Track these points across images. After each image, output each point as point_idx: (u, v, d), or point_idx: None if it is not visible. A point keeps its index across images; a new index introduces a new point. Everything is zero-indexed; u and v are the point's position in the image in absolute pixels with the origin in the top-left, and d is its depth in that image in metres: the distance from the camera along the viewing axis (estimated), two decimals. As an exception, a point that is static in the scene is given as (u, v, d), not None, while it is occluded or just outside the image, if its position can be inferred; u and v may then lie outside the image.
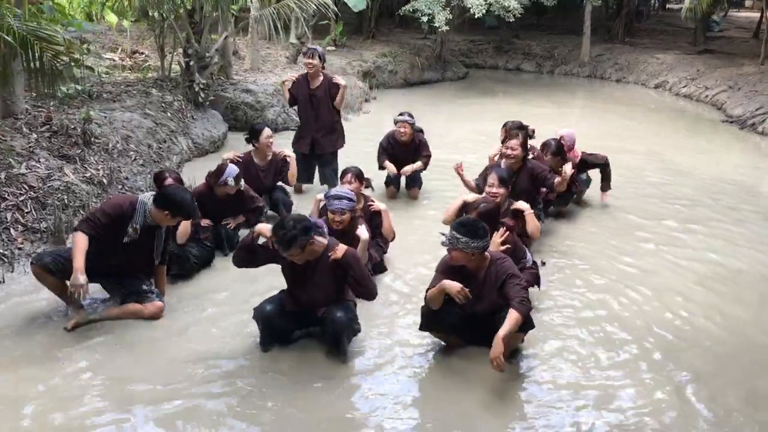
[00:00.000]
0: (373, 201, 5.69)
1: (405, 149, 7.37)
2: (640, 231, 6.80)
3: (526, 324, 4.08)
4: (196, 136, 9.03)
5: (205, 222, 5.86)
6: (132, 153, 7.68)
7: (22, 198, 5.89)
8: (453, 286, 4.01)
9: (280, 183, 6.91)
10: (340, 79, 7.27)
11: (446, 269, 4.17)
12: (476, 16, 14.60)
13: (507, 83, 17.77)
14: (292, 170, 6.81)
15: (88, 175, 6.75)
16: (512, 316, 3.88)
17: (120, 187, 6.91)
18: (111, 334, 4.49)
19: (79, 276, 4.22)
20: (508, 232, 4.63)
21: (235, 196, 5.90)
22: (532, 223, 5.24)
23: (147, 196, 4.64)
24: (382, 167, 7.41)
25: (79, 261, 4.27)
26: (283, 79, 7.42)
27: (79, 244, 4.35)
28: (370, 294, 4.23)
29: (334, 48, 16.14)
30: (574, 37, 20.15)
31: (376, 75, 15.32)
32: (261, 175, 6.70)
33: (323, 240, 4.09)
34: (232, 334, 4.58)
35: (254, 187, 6.55)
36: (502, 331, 3.83)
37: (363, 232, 4.95)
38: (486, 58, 20.58)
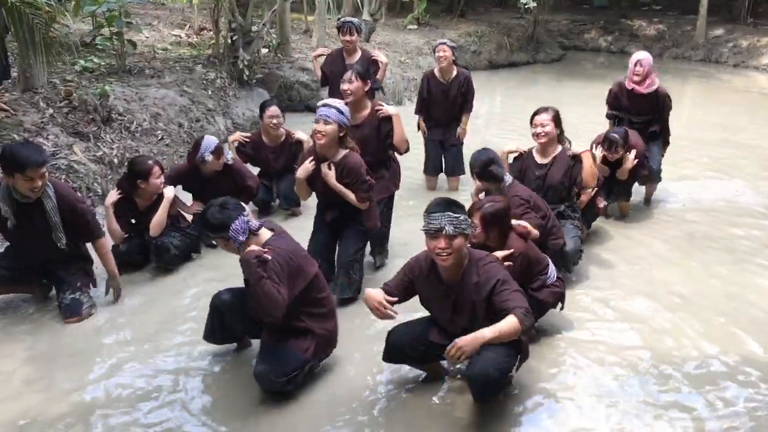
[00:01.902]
0: (381, 105, 4.81)
1: (446, 88, 6.44)
2: (718, 242, 5.56)
3: (520, 349, 3.19)
4: (236, 116, 8.50)
5: (193, 208, 5.27)
6: (159, 132, 7.23)
7: (16, 177, 5.50)
8: (374, 296, 3.18)
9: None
10: (380, 55, 6.41)
11: (411, 271, 3.33)
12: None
13: (606, 67, 16.21)
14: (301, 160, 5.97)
15: (99, 154, 6.33)
16: (509, 321, 2.95)
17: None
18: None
19: None
20: (512, 253, 3.68)
21: (224, 173, 5.20)
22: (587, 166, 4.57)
23: None
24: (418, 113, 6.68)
25: None
26: (314, 53, 6.59)
27: None
28: None
29: (416, 26, 15.29)
30: (691, 18, 18.15)
31: (457, 56, 14.27)
32: (270, 158, 6.01)
33: (247, 243, 3.28)
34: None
35: (264, 170, 5.96)
36: (490, 330, 2.92)
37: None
38: (587, 39, 18.95)
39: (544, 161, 4.80)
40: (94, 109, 6.52)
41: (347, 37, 6.03)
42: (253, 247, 3.22)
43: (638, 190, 6.23)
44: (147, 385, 3.50)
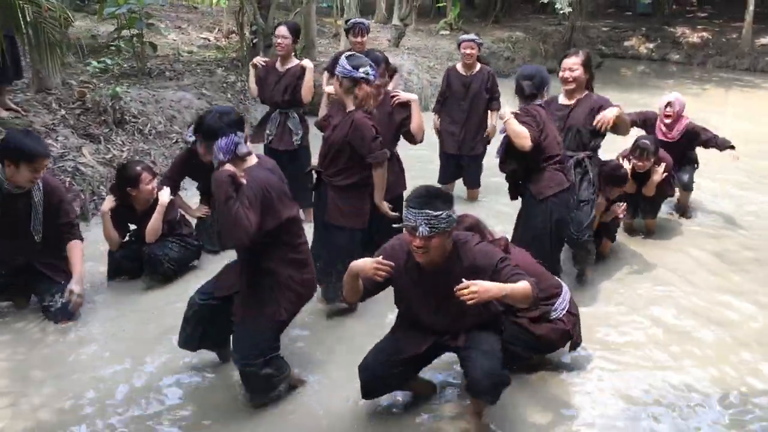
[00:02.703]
0: (397, 92, 4.51)
1: (468, 82, 6.13)
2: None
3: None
4: (254, 120, 8.30)
5: (198, 211, 5.09)
6: (174, 135, 7.11)
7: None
8: (364, 263, 2.89)
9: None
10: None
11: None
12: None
13: (646, 75, 15.71)
14: (307, 82, 5.34)
15: (108, 156, 6.21)
16: (522, 284, 2.77)
17: (142, 171, 6.29)
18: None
19: None
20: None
21: None
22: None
23: None
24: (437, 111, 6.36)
25: None
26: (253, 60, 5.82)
27: None
28: None
29: (448, 32, 15.01)
30: (737, 25, 17.47)
31: (489, 62, 13.94)
32: (273, 84, 5.44)
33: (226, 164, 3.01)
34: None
35: (267, 98, 5.54)
36: (508, 285, 2.75)
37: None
38: (627, 46, 18.39)
39: (568, 103, 4.46)
40: (105, 110, 6.41)
41: (358, 39, 5.80)
42: (229, 167, 2.98)
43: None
44: (124, 404, 3.29)
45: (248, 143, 3.12)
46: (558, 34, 16.40)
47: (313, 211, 4.40)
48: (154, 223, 4.49)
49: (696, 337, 4.05)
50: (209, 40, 11.65)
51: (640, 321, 4.23)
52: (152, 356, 3.70)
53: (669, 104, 5.68)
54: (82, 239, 4.25)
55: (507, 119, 3.93)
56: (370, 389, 3.12)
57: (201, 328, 3.36)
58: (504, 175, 4.29)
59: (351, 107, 3.87)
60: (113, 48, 8.11)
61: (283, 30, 5.48)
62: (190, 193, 5.71)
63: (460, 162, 6.26)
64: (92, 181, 5.82)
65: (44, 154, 3.87)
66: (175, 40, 11.23)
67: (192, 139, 4.60)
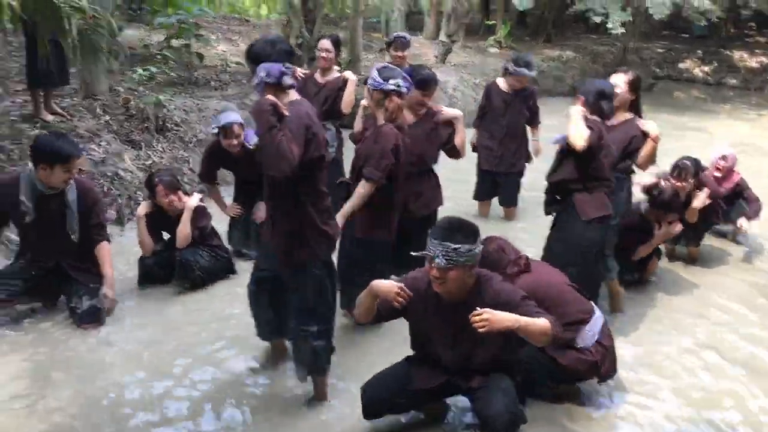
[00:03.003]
0: (440, 108, 4.48)
1: (509, 98, 5.98)
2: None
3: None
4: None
5: (231, 210, 5.10)
6: (214, 144, 7.16)
7: (61, 181, 5.49)
8: (387, 286, 2.83)
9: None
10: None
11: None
12: (656, 17, 12.51)
13: (701, 99, 15.23)
14: (348, 95, 5.35)
15: (148, 163, 6.29)
16: (541, 321, 2.73)
17: (180, 177, 6.34)
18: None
19: None
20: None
21: (248, 156, 4.78)
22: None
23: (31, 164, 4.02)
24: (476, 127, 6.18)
25: None
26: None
27: None
28: None
29: (497, 49, 14.88)
30: (800, 50, 16.90)
31: (538, 81, 13.77)
32: (312, 96, 5.36)
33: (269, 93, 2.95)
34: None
35: None
36: (523, 318, 2.69)
37: None
38: (682, 69, 17.92)
39: (609, 123, 4.22)
40: (148, 117, 6.50)
41: (398, 53, 5.75)
42: (271, 97, 2.91)
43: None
44: (138, 411, 3.27)
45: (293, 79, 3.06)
46: (610, 55, 16.09)
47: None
48: (182, 227, 4.50)
49: (738, 375, 3.83)
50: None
51: (678, 354, 4.03)
52: (171, 365, 3.67)
53: (724, 157, 5.52)
54: (110, 241, 4.30)
55: (573, 112, 3.78)
56: (371, 411, 3.04)
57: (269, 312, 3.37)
58: (545, 188, 4.15)
59: (381, 120, 3.81)
60: (160, 57, 8.25)
61: (327, 43, 5.49)
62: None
63: (496, 179, 6.14)
64: (130, 187, 5.90)
65: (77, 154, 3.97)
66: (224, 51, 11.39)
67: (215, 130, 4.63)
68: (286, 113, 2.91)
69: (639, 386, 3.66)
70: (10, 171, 4.96)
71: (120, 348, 3.82)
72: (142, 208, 4.62)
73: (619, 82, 4.23)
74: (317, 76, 5.46)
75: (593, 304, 3.47)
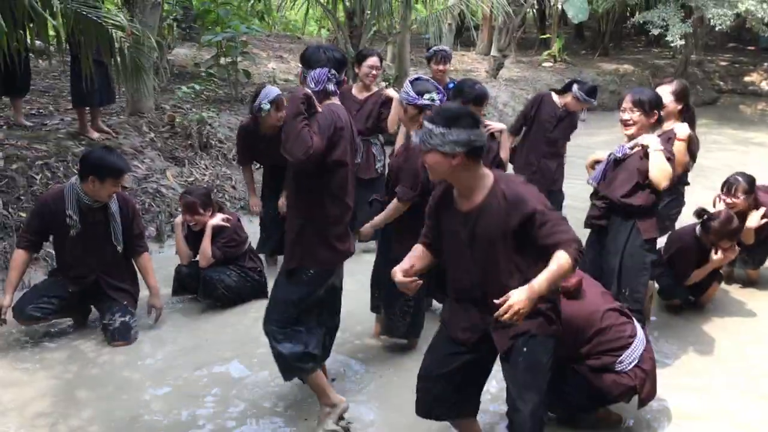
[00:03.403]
0: (485, 122, 4.31)
1: (562, 116, 5.65)
2: None
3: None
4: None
5: (256, 205, 5.07)
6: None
7: (103, 198, 5.55)
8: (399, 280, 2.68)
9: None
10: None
11: (432, 205, 2.79)
12: (716, 29, 11.99)
13: (766, 114, 14.57)
14: (393, 114, 5.16)
15: (191, 179, 6.33)
16: (560, 259, 2.41)
17: (221, 195, 6.35)
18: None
19: (5, 297, 3.84)
20: None
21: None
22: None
23: (75, 177, 4.03)
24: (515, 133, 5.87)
25: (9, 281, 3.92)
26: None
27: (13, 261, 3.99)
28: None
29: (551, 64, 14.60)
30: None
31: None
32: (353, 112, 5.12)
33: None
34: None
35: None
36: (543, 278, 2.39)
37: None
38: (748, 82, 17.19)
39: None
40: (192, 134, 6.54)
41: (439, 66, 5.61)
42: (308, 90, 2.94)
43: None
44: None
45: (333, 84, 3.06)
46: (671, 68, 15.56)
47: (378, 241, 4.23)
48: (203, 245, 4.43)
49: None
50: (356, 73, 11.84)
51: (731, 382, 3.74)
52: (197, 385, 3.61)
53: None
54: (149, 251, 4.37)
55: (656, 149, 3.52)
56: (428, 412, 2.81)
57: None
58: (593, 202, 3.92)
59: None
60: (205, 74, 8.35)
61: (376, 60, 5.36)
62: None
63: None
64: (171, 203, 5.92)
65: (129, 169, 4.15)
66: (274, 68, 11.50)
67: (268, 106, 4.51)
68: (320, 109, 2.95)
69: (687, 413, 3.40)
70: (53, 187, 5.02)
71: (147, 366, 3.77)
72: (180, 217, 4.62)
73: (664, 93, 4.00)
74: (355, 91, 5.37)
75: (637, 326, 3.25)
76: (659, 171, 3.51)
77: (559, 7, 14.75)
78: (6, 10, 4.32)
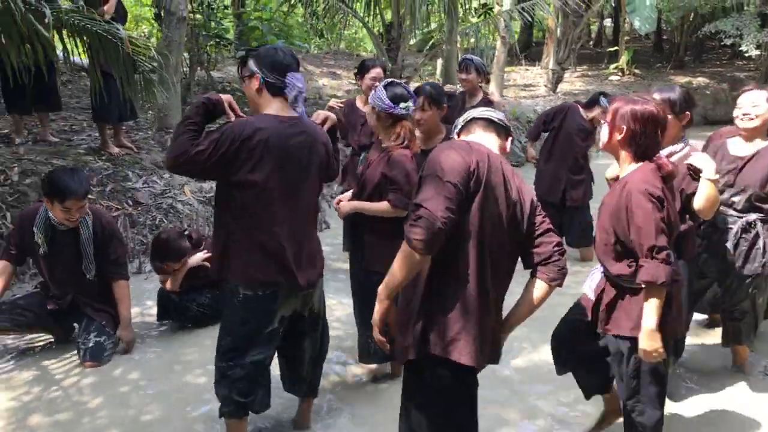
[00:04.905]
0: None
1: (592, 130, 5.39)
2: None
3: None
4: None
5: None
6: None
7: (115, 214, 5.49)
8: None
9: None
10: (496, 96, 5.55)
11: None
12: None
13: None
14: None
15: (210, 195, 6.20)
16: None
17: (239, 212, 6.19)
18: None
19: None
20: None
21: None
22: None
23: None
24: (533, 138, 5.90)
25: None
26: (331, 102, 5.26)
27: None
28: None
29: (619, 77, 13.88)
30: None
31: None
32: (359, 126, 4.98)
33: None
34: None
35: (353, 140, 5.07)
36: None
37: None
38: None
39: (743, 153, 3.55)
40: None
41: (463, 75, 5.27)
42: (228, 97, 2.68)
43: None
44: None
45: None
46: (751, 80, 14.50)
47: (350, 257, 3.90)
48: (174, 277, 4.19)
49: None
50: (358, 85, 11.70)
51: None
52: (154, 412, 3.38)
53: None
54: (128, 278, 4.10)
55: (712, 179, 2.96)
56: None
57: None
58: None
59: (388, 143, 3.37)
60: (240, 91, 8.29)
61: (379, 72, 5.07)
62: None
63: (560, 212, 5.46)
64: (184, 219, 5.80)
65: (75, 193, 3.65)
66: (324, 84, 11.43)
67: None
68: (233, 117, 2.63)
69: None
70: (36, 203, 4.96)
71: (111, 392, 3.57)
72: None
73: (759, 99, 3.45)
74: (359, 104, 5.09)
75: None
76: (709, 203, 2.99)
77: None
78: (10, 24, 4.30)
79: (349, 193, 3.59)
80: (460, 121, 2.49)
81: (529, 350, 4.10)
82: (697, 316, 4.23)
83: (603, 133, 2.72)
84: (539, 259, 2.32)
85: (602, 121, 2.76)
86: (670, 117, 3.03)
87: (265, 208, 2.64)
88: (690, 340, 3.98)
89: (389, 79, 3.40)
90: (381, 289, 2.25)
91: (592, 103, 5.32)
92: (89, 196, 3.92)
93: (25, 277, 4.72)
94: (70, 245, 3.85)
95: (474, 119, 2.45)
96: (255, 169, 2.56)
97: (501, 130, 2.44)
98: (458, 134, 2.48)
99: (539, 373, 3.80)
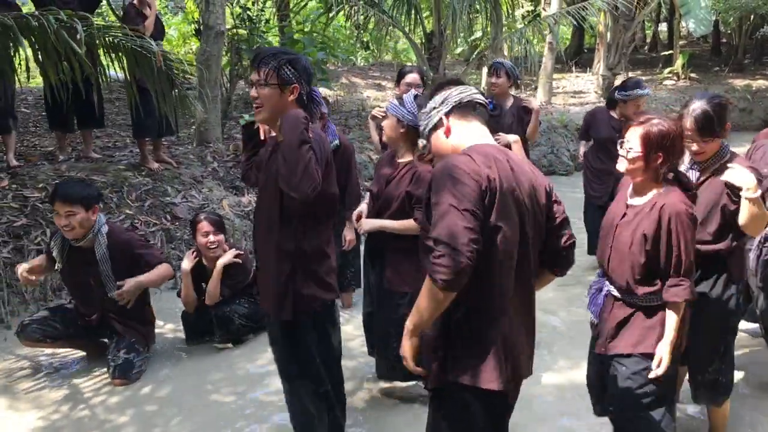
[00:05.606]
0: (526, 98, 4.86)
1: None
2: None
3: None
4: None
5: None
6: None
7: (153, 229, 5.49)
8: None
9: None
10: (532, 101, 5.30)
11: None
12: None
13: None
14: None
15: (248, 209, 6.15)
16: None
17: (277, 226, 6.11)
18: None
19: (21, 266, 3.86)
20: None
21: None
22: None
23: None
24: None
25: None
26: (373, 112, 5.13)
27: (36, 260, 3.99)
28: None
29: (674, 81, 13.38)
30: None
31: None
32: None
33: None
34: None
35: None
36: None
37: None
38: None
39: None
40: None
41: (492, 79, 5.07)
42: (300, 111, 2.47)
43: None
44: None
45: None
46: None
47: (366, 278, 3.72)
48: (212, 284, 4.13)
49: None
50: (396, 93, 11.61)
51: None
52: (180, 435, 3.29)
53: None
54: (164, 263, 3.99)
55: (751, 197, 2.64)
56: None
57: None
58: None
59: (407, 157, 3.21)
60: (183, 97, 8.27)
61: (415, 78, 4.93)
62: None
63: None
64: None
65: (63, 195, 3.61)
66: (368, 96, 11.36)
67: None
68: (311, 135, 2.47)
69: None
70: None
71: (136, 414, 3.49)
72: (187, 263, 4.27)
73: None
74: None
75: None
76: (754, 221, 2.70)
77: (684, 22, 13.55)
78: (46, 41, 4.33)
79: (364, 206, 3.46)
80: (434, 114, 2.15)
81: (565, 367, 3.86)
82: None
83: (620, 164, 2.53)
84: (552, 249, 2.18)
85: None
86: (709, 140, 2.72)
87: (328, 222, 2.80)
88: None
89: (414, 92, 3.23)
90: (408, 325, 2.07)
91: (611, 101, 5.26)
92: (98, 209, 3.82)
93: (62, 293, 4.72)
94: (90, 264, 3.79)
95: (455, 108, 2.17)
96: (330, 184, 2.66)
97: (481, 108, 2.18)
98: (446, 132, 2.19)
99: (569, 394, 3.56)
